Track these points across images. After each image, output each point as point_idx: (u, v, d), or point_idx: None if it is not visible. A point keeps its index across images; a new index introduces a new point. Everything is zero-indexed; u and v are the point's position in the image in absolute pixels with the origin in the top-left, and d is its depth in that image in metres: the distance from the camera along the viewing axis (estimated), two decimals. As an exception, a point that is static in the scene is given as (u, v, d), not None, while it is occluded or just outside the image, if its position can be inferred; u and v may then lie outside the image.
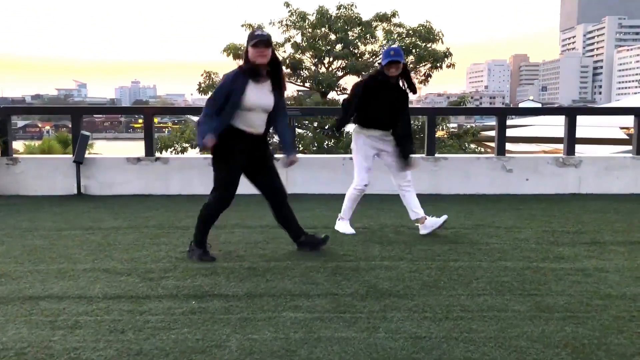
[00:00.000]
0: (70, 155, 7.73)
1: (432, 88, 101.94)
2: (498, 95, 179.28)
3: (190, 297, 3.55)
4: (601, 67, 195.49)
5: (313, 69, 18.78)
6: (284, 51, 19.55)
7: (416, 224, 5.33)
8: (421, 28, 18.75)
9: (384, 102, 5.05)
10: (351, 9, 18.76)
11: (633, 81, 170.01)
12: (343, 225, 5.37)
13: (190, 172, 7.69)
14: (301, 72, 18.58)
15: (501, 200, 7.19)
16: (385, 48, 4.84)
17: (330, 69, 19.21)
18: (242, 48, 18.86)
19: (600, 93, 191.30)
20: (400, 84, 5.11)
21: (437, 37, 18.54)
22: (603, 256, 4.54)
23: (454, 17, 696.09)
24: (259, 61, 4.17)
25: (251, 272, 4.06)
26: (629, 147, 10.04)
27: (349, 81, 19.00)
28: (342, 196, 5.43)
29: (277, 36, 19.46)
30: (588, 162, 7.83)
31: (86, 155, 7.64)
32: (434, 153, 7.79)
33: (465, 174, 7.74)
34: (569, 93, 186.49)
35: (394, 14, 19.41)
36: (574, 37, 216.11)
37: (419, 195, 5.33)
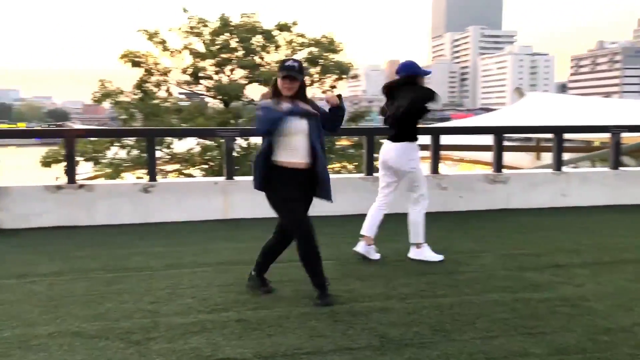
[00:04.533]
0: (-24, 184, 6.79)
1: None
2: (375, 100, 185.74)
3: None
4: (467, 72, 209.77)
5: (216, 78, 18.21)
6: (182, 59, 18.81)
7: (361, 238, 5.35)
8: (324, 39, 18.87)
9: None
10: (253, 17, 18.44)
11: (496, 86, 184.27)
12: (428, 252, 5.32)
13: (120, 199, 7.07)
14: (203, 80, 17.95)
15: (441, 219, 7.31)
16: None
17: (232, 77, 18.75)
18: (140, 55, 17.97)
19: (467, 97, 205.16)
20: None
21: (340, 49, 18.76)
22: (574, 281, 4.70)
23: (335, 21, 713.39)
24: (285, 93, 3.98)
25: (245, 325, 3.73)
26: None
27: (253, 90, 18.67)
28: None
29: (175, 43, 18.65)
30: (515, 178, 8.21)
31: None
32: (372, 173, 7.79)
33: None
34: (440, 97, 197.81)
35: (294, 24, 19.36)
36: (442, 44, 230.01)
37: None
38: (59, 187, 6.92)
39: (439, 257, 5.33)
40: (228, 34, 18.26)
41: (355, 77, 18.53)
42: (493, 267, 5.12)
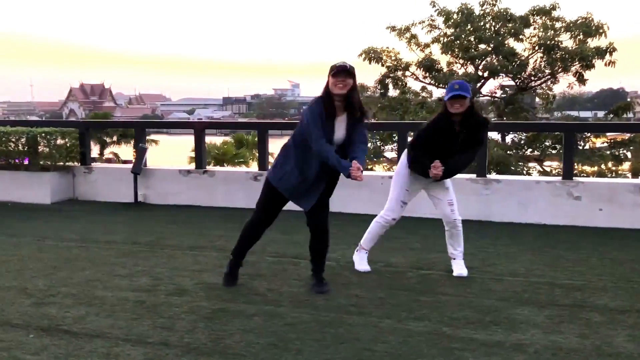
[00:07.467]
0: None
1: (607, 82, 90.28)
2: None
3: (41, 330, 3.55)
4: None
5: (449, 70, 17.72)
6: (431, 52, 18.69)
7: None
8: (582, 20, 16.58)
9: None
10: (495, 5, 17.30)
11: None
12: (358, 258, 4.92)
13: (234, 185, 7.80)
14: (436, 73, 17.64)
15: (558, 233, 6.10)
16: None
17: (477, 69, 17.98)
18: (381, 50, 18.59)
19: None
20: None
21: (601, 31, 16.23)
22: (586, 330, 3.57)
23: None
24: (337, 91, 3.97)
25: (161, 310, 3.86)
26: None
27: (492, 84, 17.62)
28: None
29: (422, 37, 18.68)
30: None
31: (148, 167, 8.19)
32: (485, 174, 6.86)
33: (522, 200, 6.68)
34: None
35: (553, 7, 17.45)
36: None
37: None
38: (188, 172, 8.01)
39: (364, 268, 4.76)
40: (470, 26, 17.55)
41: (609, 64, 15.73)
42: (502, 296, 4.20)
